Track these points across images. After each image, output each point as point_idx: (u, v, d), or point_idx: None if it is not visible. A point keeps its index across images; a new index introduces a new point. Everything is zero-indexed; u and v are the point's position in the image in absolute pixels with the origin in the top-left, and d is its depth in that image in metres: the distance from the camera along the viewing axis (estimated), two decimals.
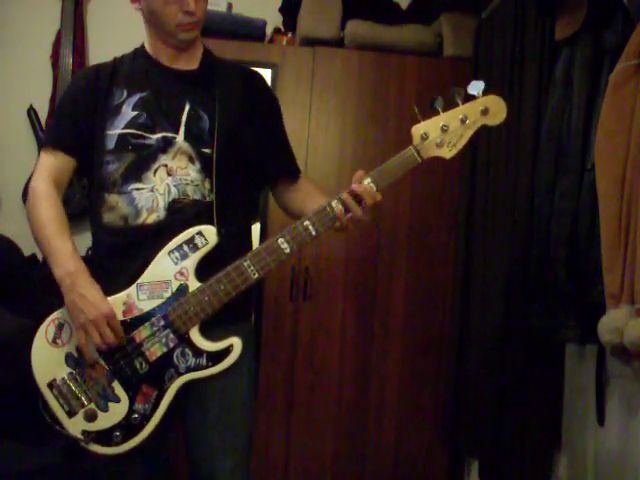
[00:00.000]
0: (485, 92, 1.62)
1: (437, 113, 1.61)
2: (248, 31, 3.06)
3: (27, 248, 2.88)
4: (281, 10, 3.24)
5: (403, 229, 3.01)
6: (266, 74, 2.87)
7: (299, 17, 3.06)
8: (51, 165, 1.68)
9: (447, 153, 1.63)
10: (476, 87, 1.61)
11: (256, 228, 2.82)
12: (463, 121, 1.61)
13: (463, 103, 1.61)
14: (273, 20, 3.25)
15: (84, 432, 1.60)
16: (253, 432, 1.76)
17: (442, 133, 1.61)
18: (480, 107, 1.61)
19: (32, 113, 3.19)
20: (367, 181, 1.59)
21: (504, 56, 2.69)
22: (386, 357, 2.99)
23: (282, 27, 3.27)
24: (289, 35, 3.19)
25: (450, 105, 1.62)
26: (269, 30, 3.20)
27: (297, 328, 2.96)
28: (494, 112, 1.63)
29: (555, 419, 2.49)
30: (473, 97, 1.62)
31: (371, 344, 2.99)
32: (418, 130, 1.61)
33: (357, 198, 1.58)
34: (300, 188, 1.86)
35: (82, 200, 2.97)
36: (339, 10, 3.04)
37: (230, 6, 3.17)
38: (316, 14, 3.01)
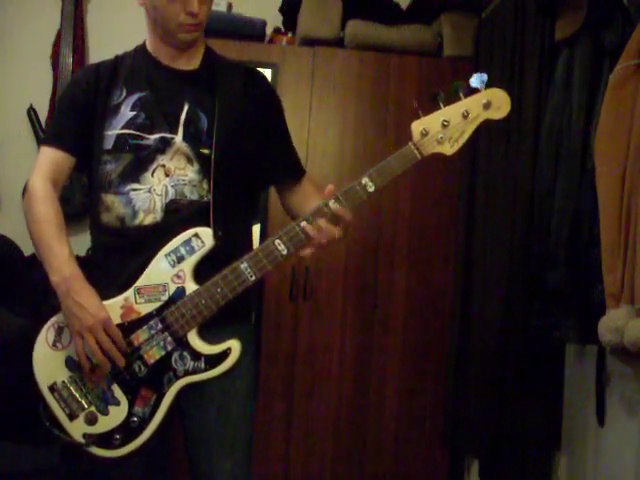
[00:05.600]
0: (488, 85, 1.57)
1: (439, 108, 1.56)
2: (248, 31, 3.06)
3: (27, 248, 2.88)
4: (281, 10, 3.24)
5: (403, 229, 3.01)
6: (266, 74, 2.85)
7: (299, 17, 3.06)
8: (50, 163, 1.67)
9: (449, 149, 1.58)
10: (479, 80, 1.56)
11: (256, 229, 2.82)
12: (465, 116, 1.56)
13: (466, 97, 1.57)
14: (273, 20, 3.24)
15: (85, 435, 1.60)
16: (253, 432, 1.76)
17: (443, 129, 1.56)
18: (483, 100, 1.57)
19: (32, 113, 3.19)
20: (364, 180, 1.58)
21: (504, 56, 2.69)
22: (386, 357, 2.99)
23: (282, 27, 3.27)
24: (289, 35, 3.19)
25: (452, 99, 1.57)
26: (269, 30, 3.20)
27: (297, 328, 2.96)
28: (497, 105, 1.58)
29: (555, 419, 2.49)
30: (476, 90, 1.57)
31: (371, 344, 2.99)
32: (418, 126, 1.56)
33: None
34: (301, 189, 1.85)
35: (82, 200, 2.97)
36: (339, 10, 3.04)
37: (230, 6, 3.17)
38: (316, 14, 3.01)
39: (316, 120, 3.00)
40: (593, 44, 2.17)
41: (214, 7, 2.71)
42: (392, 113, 3.01)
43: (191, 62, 1.74)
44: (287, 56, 3.02)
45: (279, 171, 1.85)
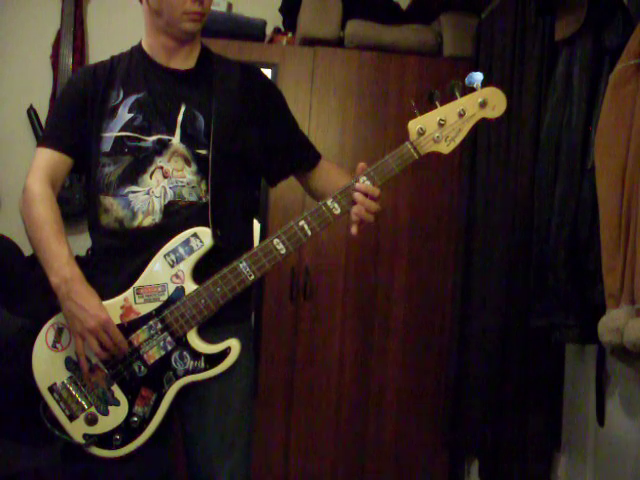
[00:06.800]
0: (484, 84, 1.58)
1: (435, 107, 1.57)
2: (248, 31, 3.06)
3: (27, 248, 2.87)
4: (281, 10, 3.24)
5: (403, 228, 3.01)
6: (266, 74, 2.87)
7: (299, 17, 3.06)
8: (47, 164, 1.67)
9: (445, 148, 1.59)
10: (474, 79, 1.57)
11: (256, 228, 2.82)
12: (461, 115, 1.57)
13: (462, 96, 1.58)
14: (273, 20, 3.24)
15: (85, 436, 1.60)
16: (253, 432, 1.76)
17: (439, 128, 1.57)
18: (478, 99, 1.57)
19: (32, 113, 3.19)
20: (362, 179, 1.58)
21: (504, 56, 2.69)
22: (386, 357, 2.99)
23: (282, 27, 3.26)
24: (289, 35, 3.19)
25: (448, 99, 1.58)
26: (269, 30, 3.20)
27: (297, 328, 2.96)
28: (493, 104, 1.58)
29: (555, 419, 2.49)
30: (472, 90, 1.58)
31: (371, 344, 2.99)
32: (415, 125, 1.57)
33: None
34: (323, 171, 1.85)
35: (82, 200, 2.97)
36: (339, 10, 3.04)
37: (230, 6, 3.18)
38: (316, 14, 3.01)
39: (316, 120, 3.00)
40: (593, 44, 2.16)
41: (214, 7, 2.72)
42: (392, 113, 3.01)
43: (187, 61, 1.74)
44: (287, 56, 3.02)
45: (295, 159, 1.86)
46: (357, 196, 1.56)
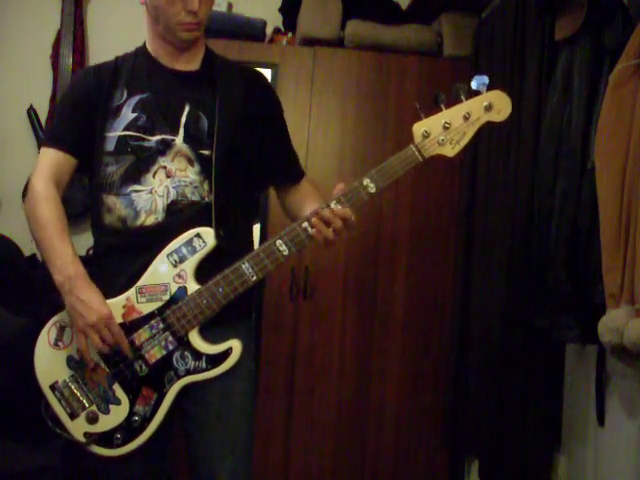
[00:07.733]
0: (489, 87, 1.58)
1: (440, 110, 1.57)
2: (248, 31, 3.06)
3: (27, 248, 2.88)
4: (281, 10, 3.24)
5: (403, 228, 3.01)
6: (266, 74, 2.86)
7: (299, 17, 3.06)
8: (51, 164, 1.67)
9: (450, 151, 1.59)
10: (479, 82, 1.57)
11: (256, 229, 2.82)
12: (466, 118, 1.58)
13: (467, 99, 1.58)
14: (273, 20, 3.24)
15: (86, 434, 1.60)
16: (253, 432, 1.76)
17: (444, 131, 1.57)
18: (484, 103, 1.58)
19: (32, 113, 3.19)
20: (366, 181, 1.58)
21: (504, 56, 2.69)
22: (386, 357, 3.00)
23: (282, 27, 3.27)
24: (289, 35, 3.19)
25: (453, 102, 1.58)
26: (269, 30, 3.20)
27: (297, 328, 2.96)
28: (498, 108, 1.59)
29: (555, 419, 2.49)
30: (477, 93, 1.58)
31: (371, 344, 2.99)
32: (419, 128, 1.57)
33: (326, 223, 1.57)
34: (300, 190, 1.86)
35: (83, 200, 2.97)
36: (339, 10, 3.04)
37: (230, 6, 3.18)
38: (316, 14, 3.01)
39: (316, 120, 3.00)
40: (593, 44, 2.16)
41: (214, 7, 2.72)
42: (392, 113, 3.01)
43: (192, 63, 1.75)
44: (287, 56, 3.02)
45: (278, 172, 1.86)
46: (315, 222, 1.56)
